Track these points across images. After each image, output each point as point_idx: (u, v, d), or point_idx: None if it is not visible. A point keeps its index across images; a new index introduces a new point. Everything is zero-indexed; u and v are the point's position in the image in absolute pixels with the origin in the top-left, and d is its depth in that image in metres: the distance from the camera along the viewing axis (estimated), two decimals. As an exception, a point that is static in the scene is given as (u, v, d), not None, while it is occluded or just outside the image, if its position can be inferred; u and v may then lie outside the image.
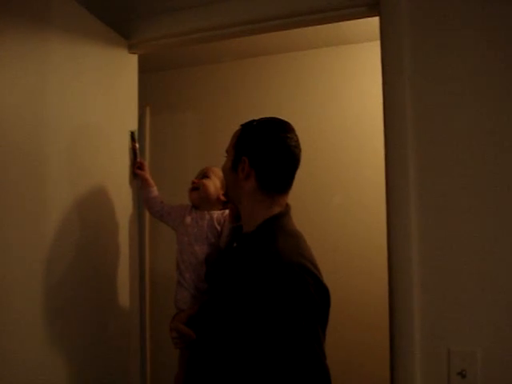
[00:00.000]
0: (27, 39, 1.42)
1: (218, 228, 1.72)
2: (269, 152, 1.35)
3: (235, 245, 1.54)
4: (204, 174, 1.81)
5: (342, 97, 2.76)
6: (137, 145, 1.97)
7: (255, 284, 1.20)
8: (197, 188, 1.80)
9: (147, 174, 1.99)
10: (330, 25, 2.25)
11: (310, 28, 2.36)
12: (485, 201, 1.32)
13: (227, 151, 1.47)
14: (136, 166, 1.96)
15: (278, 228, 1.33)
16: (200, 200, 1.80)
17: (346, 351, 2.46)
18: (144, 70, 3.22)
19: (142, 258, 3.11)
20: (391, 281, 1.39)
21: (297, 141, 1.38)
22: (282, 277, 1.18)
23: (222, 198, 1.77)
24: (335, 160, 2.70)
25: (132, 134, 1.95)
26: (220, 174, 1.73)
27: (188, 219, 1.78)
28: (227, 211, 1.73)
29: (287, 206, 1.40)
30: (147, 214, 3.11)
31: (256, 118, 1.45)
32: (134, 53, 1.97)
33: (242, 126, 1.45)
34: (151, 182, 1.99)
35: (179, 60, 3.09)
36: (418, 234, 1.36)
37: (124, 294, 1.88)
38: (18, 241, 1.37)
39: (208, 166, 1.85)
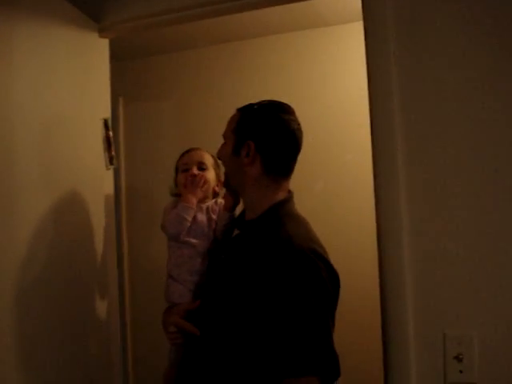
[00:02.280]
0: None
1: (215, 218, 1.60)
2: (274, 135, 1.33)
3: (236, 233, 1.49)
4: (200, 165, 1.64)
5: (324, 80, 2.70)
6: (110, 133, 1.89)
7: (265, 271, 1.18)
8: (200, 181, 1.61)
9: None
10: (308, 6, 2.23)
11: (288, 9, 2.33)
12: (478, 181, 1.28)
13: (225, 136, 1.43)
14: (115, 156, 1.88)
15: (285, 214, 1.32)
16: (204, 198, 1.64)
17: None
18: (116, 59, 3.13)
19: (120, 251, 3.03)
20: (381, 264, 1.34)
21: (299, 123, 1.37)
22: (294, 262, 1.16)
23: (217, 188, 1.66)
24: (317, 144, 2.63)
25: (105, 121, 1.87)
26: (211, 160, 1.64)
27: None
28: (219, 200, 1.64)
29: (290, 192, 1.39)
30: (124, 205, 3.09)
31: (234, 104, 1.43)
32: (105, 37, 1.88)
33: (239, 110, 1.41)
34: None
35: (152, 47, 2.99)
36: (409, 216, 1.32)
37: (102, 296, 1.80)
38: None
39: (197, 152, 1.68)
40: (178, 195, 1.66)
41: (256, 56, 2.87)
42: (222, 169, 1.52)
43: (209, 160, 1.66)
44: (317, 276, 1.17)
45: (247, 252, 1.30)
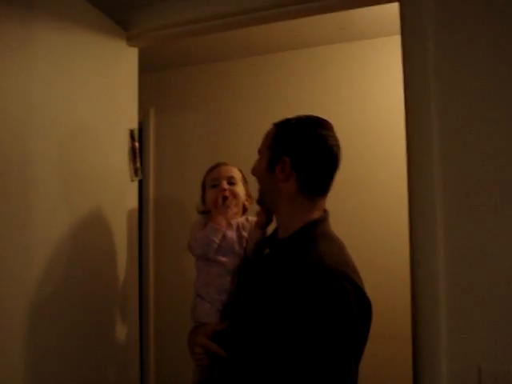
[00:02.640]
0: (9, 28, 1.29)
1: (246, 236, 1.55)
2: (311, 152, 1.28)
3: (267, 251, 1.42)
4: (230, 179, 1.59)
5: (360, 94, 2.60)
6: (136, 144, 1.83)
7: (292, 293, 1.14)
8: (230, 196, 1.57)
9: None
10: (342, 19, 2.16)
11: (324, 22, 2.26)
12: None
13: (260, 152, 1.38)
14: (140, 168, 1.83)
15: (319, 234, 1.26)
16: (236, 213, 1.60)
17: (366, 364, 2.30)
18: (147, 70, 3.13)
19: (146, 266, 2.99)
20: (414, 291, 1.26)
21: (337, 139, 1.31)
22: (322, 286, 1.10)
23: (247, 203, 1.62)
24: (349, 160, 2.54)
25: (131, 132, 1.82)
26: (240, 175, 1.63)
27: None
28: (252, 217, 1.59)
29: (326, 211, 1.34)
30: (151, 217, 3.04)
31: (265, 117, 1.38)
32: (134, 45, 1.83)
33: (276, 124, 1.37)
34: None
35: (184, 58, 2.96)
36: (445, 244, 1.25)
37: (121, 315, 1.74)
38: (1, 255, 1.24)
39: (225, 167, 1.63)
40: (205, 212, 1.61)
41: (289, 69, 2.79)
42: (256, 185, 1.45)
43: (237, 174, 1.62)
44: (344, 302, 1.10)
45: (277, 273, 1.24)
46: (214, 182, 1.60)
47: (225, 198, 1.55)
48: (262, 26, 2.32)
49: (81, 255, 1.53)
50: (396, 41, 1.47)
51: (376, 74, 2.55)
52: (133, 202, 1.85)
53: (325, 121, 1.33)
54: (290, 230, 1.29)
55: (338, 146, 1.31)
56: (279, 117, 1.38)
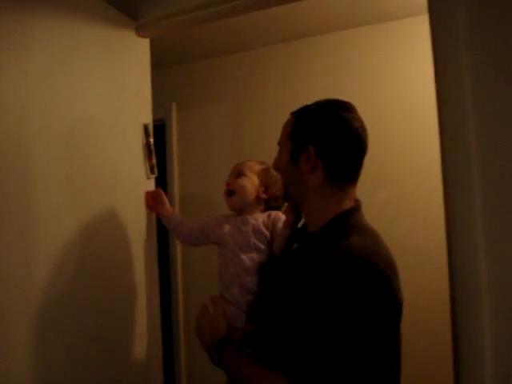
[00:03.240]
0: (7, 18, 1.21)
1: (266, 233, 1.51)
2: (336, 136, 1.20)
3: (295, 246, 1.38)
4: (239, 172, 1.60)
5: (387, 78, 2.46)
6: (151, 140, 1.74)
7: (320, 283, 1.07)
8: (233, 191, 1.59)
9: (165, 206, 1.77)
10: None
11: (346, 6, 2.13)
12: None
13: (280, 143, 1.31)
14: (155, 164, 1.74)
15: (352, 225, 1.18)
16: (239, 205, 1.59)
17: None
18: (168, 64, 3.07)
19: (174, 267, 2.91)
20: (455, 304, 1.12)
21: (362, 121, 1.23)
22: (347, 273, 1.04)
23: (263, 195, 1.57)
24: (381, 149, 2.39)
25: (145, 127, 1.73)
26: (257, 168, 1.60)
27: (227, 228, 1.58)
28: (275, 213, 1.55)
29: (358, 201, 1.25)
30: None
31: (291, 107, 1.29)
32: (144, 36, 1.74)
33: (294, 113, 1.29)
34: (171, 210, 1.78)
35: (205, 50, 2.87)
36: (485, 238, 1.08)
37: (139, 319, 1.66)
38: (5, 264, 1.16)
39: (241, 162, 1.64)
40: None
41: (314, 56, 2.66)
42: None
43: (250, 167, 1.60)
44: (372, 293, 1.03)
45: (307, 267, 1.17)
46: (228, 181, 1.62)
47: (227, 192, 1.59)
48: (287, 10, 2.30)
49: (90, 262, 1.45)
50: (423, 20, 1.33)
51: (411, 56, 2.39)
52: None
53: (346, 102, 1.25)
54: (320, 223, 1.21)
55: (363, 128, 1.22)
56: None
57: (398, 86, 2.42)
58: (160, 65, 3.01)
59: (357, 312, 1.02)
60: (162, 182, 3.07)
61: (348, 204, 1.21)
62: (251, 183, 1.57)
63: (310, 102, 1.27)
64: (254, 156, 1.71)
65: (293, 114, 1.29)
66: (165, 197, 1.76)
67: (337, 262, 1.06)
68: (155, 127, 3.14)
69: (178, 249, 2.96)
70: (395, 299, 1.07)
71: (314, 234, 1.23)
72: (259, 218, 1.54)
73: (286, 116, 1.33)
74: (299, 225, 1.39)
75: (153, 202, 1.75)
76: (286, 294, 1.21)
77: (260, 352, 1.23)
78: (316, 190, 1.21)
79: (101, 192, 1.51)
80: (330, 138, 1.19)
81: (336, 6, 2.26)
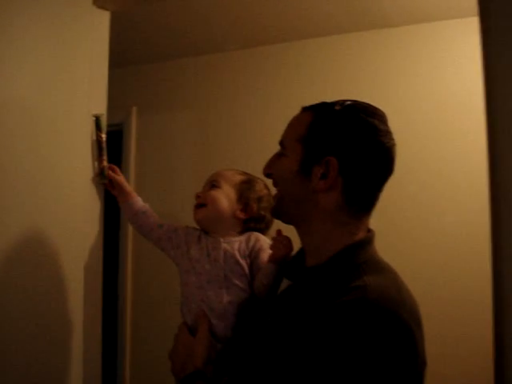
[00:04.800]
0: None
1: (243, 264, 1.23)
2: (367, 153, 0.96)
3: (287, 284, 1.12)
4: (212, 183, 1.32)
5: (425, 82, 2.21)
6: (103, 136, 1.39)
7: (321, 335, 0.85)
8: (203, 204, 1.29)
9: (123, 180, 1.44)
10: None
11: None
12: None
13: (285, 145, 1.03)
14: (107, 167, 1.40)
15: (366, 260, 0.95)
16: (209, 221, 1.30)
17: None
18: (128, 63, 2.73)
19: (122, 289, 2.53)
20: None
21: (394, 139, 1.00)
22: (361, 323, 0.82)
23: (241, 214, 1.29)
24: (416, 154, 2.16)
25: (97, 119, 1.38)
26: (235, 179, 1.32)
27: (195, 250, 1.27)
28: (256, 236, 1.28)
29: (371, 231, 1.02)
30: (130, 235, 2.59)
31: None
32: (103, 7, 1.40)
33: (310, 109, 1.02)
34: (131, 190, 1.44)
35: (171, 49, 2.58)
36: None
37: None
38: None
39: (218, 171, 1.36)
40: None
41: (300, 59, 2.41)
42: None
43: (227, 178, 1.32)
44: (389, 349, 0.81)
45: (304, 313, 0.93)
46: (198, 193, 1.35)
47: (197, 206, 1.32)
48: (263, 11, 2.06)
49: (14, 289, 1.11)
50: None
51: (452, 59, 2.18)
52: (97, 212, 1.40)
53: (379, 110, 1.01)
54: (325, 256, 0.97)
55: (395, 147, 1.00)
56: (285, 114, 1.04)
57: (439, 89, 2.19)
58: (120, 64, 2.68)
59: (369, 375, 0.80)
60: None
61: (361, 235, 0.99)
62: (226, 197, 1.28)
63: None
64: (223, 167, 1.41)
65: (307, 109, 1.03)
66: (121, 176, 1.44)
67: (348, 308, 0.85)
68: (111, 133, 2.83)
69: (128, 267, 2.59)
70: (418, 362, 0.85)
71: (316, 268, 0.99)
72: (235, 243, 1.25)
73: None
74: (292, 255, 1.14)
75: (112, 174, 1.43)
76: (272, 347, 0.97)
77: None
78: (327, 214, 0.98)
79: (32, 203, 1.16)
80: (358, 152, 0.95)
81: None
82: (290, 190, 1.02)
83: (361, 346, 0.81)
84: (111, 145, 2.66)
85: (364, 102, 1.01)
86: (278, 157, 1.04)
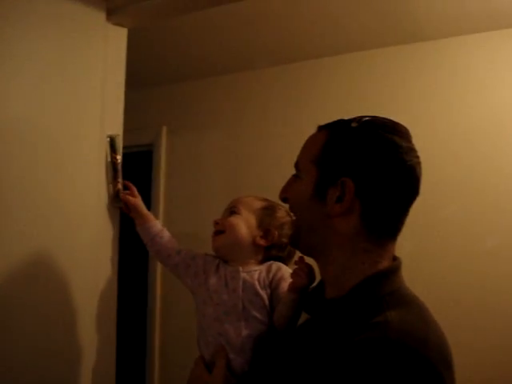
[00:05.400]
0: None
1: (263, 295, 1.16)
2: (387, 172, 0.88)
3: (306, 318, 1.05)
4: (231, 209, 1.26)
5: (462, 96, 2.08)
6: (118, 157, 1.33)
7: (338, 375, 0.77)
8: (221, 231, 1.24)
9: (139, 202, 1.36)
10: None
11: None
12: None
13: (299, 168, 0.98)
14: (121, 189, 1.34)
15: (390, 292, 0.86)
16: (227, 248, 1.24)
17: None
18: (158, 82, 2.69)
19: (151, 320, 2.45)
20: None
21: (418, 156, 0.92)
22: (380, 364, 0.73)
23: (261, 241, 1.22)
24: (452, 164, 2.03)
25: (111, 140, 1.32)
26: (255, 205, 1.27)
27: (213, 280, 1.21)
28: (277, 266, 1.21)
29: (397, 259, 0.93)
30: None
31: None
32: (117, 23, 1.34)
33: (325, 128, 0.96)
34: (147, 213, 1.37)
35: (200, 68, 2.53)
36: None
37: None
38: None
39: (237, 197, 1.30)
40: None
41: (325, 77, 2.32)
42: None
43: (246, 204, 1.26)
44: None
45: (322, 350, 0.85)
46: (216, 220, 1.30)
47: (215, 225, 1.27)
48: (295, 29, 1.99)
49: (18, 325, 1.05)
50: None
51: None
52: (110, 236, 1.33)
53: (401, 126, 0.93)
54: (345, 287, 0.89)
55: (420, 165, 0.91)
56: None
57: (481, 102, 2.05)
58: (149, 83, 2.68)
59: None
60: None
61: (385, 264, 0.90)
62: (245, 223, 1.23)
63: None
64: (255, 191, 1.37)
65: (323, 128, 0.96)
66: (138, 198, 1.37)
67: (366, 348, 0.76)
68: (141, 153, 2.80)
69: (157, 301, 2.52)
70: None
71: (336, 301, 0.91)
72: (255, 272, 1.19)
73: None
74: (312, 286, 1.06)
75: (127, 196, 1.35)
76: None
77: None
78: (346, 241, 0.90)
79: (39, 230, 1.11)
80: (376, 172, 0.87)
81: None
82: (304, 216, 0.96)
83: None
84: (142, 165, 2.64)
85: (384, 118, 0.93)
86: (293, 180, 0.98)
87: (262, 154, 2.38)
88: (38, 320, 1.10)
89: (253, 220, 1.23)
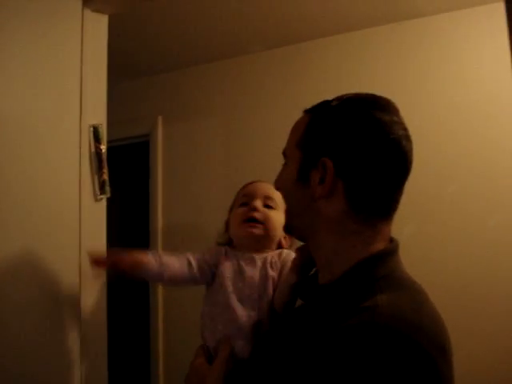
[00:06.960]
0: None
1: (275, 277, 1.16)
2: (366, 147, 0.84)
3: (300, 303, 1.04)
4: (267, 201, 1.22)
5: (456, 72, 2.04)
6: (102, 147, 1.30)
7: (323, 364, 0.74)
8: (261, 222, 1.20)
9: (123, 257, 1.15)
10: None
11: None
12: None
13: (286, 154, 0.96)
14: (106, 180, 1.30)
15: (384, 275, 0.83)
16: (262, 240, 1.21)
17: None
18: (152, 72, 2.66)
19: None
20: None
21: (406, 128, 0.87)
22: (363, 351, 0.70)
23: (284, 242, 1.25)
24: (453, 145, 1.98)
25: (95, 130, 1.29)
26: (283, 205, 1.16)
27: (224, 268, 1.18)
28: (287, 252, 1.20)
29: (394, 241, 0.90)
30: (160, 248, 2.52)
31: (293, 119, 0.95)
32: (96, 10, 1.31)
33: (308, 111, 0.94)
34: (134, 257, 1.16)
35: (194, 55, 2.49)
36: None
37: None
38: None
39: (268, 186, 1.23)
40: (227, 244, 1.26)
41: (321, 58, 2.28)
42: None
43: (279, 201, 1.19)
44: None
45: (311, 337, 0.82)
46: (245, 198, 1.24)
47: (251, 220, 1.19)
48: (287, 11, 1.96)
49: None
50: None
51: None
52: (100, 227, 1.31)
53: (384, 99, 0.89)
54: (337, 271, 0.86)
55: (408, 138, 0.86)
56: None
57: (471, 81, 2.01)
58: (143, 73, 2.65)
59: None
60: (144, 208, 2.65)
61: (379, 245, 0.86)
62: (280, 221, 1.18)
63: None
64: (253, 177, 1.34)
65: (307, 111, 0.94)
66: (121, 254, 1.16)
67: (352, 332, 0.73)
68: (138, 144, 2.78)
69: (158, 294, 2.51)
70: None
71: (327, 286, 0.89)
72: (268, 257, 1.18)
73: (287, 129, 0.96)
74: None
75: (107, 265, 1.18)
76: (276, 371, 0.87)
77: None
78: (333, 223, 0.87)
79: (19, 225, 1.08)
80: (356, 149, 0.84)
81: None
82: (291, 201, 0.94)
83: (369, 380, 0.69)
84: (139, 156, 2.62)
85: (366, 94, 0.90)
86: (282, 168, 0.96)
87: (259, 140, 2.35)
88: (22, 321, 1.08)
89: (282, 219, 1.16)
